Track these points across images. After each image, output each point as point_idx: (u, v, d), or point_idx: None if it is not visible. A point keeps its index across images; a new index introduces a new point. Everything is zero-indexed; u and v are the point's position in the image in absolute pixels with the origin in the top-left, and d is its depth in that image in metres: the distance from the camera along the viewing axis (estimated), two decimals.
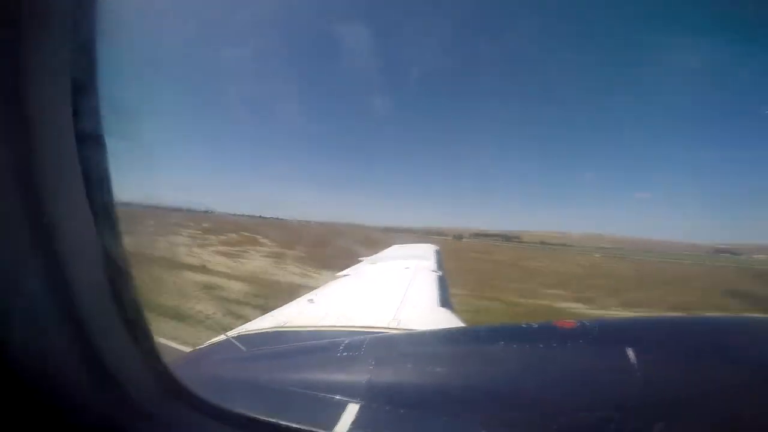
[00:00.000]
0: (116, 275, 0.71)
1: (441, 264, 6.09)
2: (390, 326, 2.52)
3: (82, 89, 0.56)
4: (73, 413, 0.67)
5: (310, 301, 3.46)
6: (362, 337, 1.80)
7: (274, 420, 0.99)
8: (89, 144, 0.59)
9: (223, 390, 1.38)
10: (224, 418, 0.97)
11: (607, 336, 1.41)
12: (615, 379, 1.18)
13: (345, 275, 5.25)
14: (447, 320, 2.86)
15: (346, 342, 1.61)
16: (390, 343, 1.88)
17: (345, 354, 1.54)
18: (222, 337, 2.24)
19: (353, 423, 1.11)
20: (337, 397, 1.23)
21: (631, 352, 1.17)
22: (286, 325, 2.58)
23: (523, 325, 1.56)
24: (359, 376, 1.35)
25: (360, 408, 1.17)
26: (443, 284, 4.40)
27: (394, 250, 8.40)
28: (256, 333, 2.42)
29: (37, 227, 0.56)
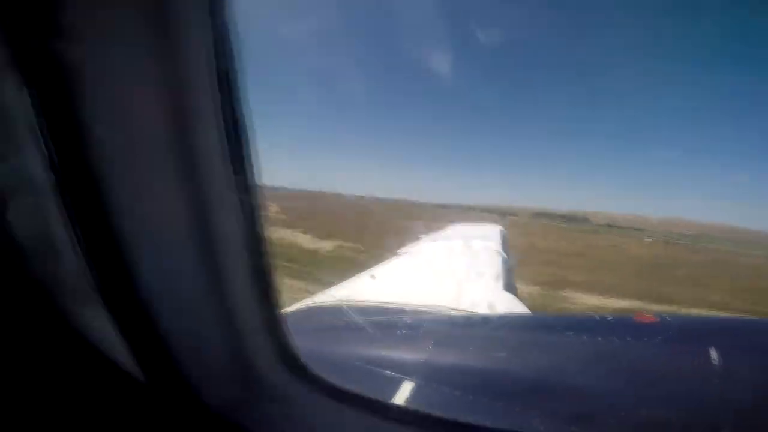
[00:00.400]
0: (258, 260, 0.73)
1: (506, 245, 5.86)
2: (451, 307, 2.49)
3: (226, 79, 0.60)
4: (209, 387, 0.72)
5: (372, 276, 3.55)
6: (424, 316, 1.85)
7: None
8: (234, 132, 0.63)
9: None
10: (338, 395, 0.94)
11: (687, 334, 1.37)
12: (691, 379, 1.12)
13: (405, 253, 5.23)
14: (511, 305, 2.82)
15: (408, 320, 1.63)
16: (453, 324, 1.83)
17: (406, 332, 1.57)
18: (286, 311, 2.31)
19: (407, 400, 1.12)
20: (396, 374, 1.23)
21: (712, 352, 1.10)
22: (348, 300, 2.62)
23: (597, 317, 1.56)
24: (419, 354, 1.36)
25: (417, 386, 1.18)
26: (508, 267, 4.25)
27: (455, 229, 8.27)
28: (320, 307, 2.50)
29: (193, 220, 0.60)
